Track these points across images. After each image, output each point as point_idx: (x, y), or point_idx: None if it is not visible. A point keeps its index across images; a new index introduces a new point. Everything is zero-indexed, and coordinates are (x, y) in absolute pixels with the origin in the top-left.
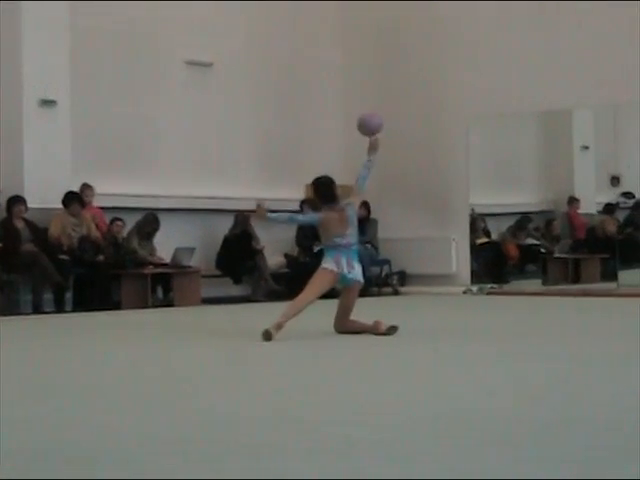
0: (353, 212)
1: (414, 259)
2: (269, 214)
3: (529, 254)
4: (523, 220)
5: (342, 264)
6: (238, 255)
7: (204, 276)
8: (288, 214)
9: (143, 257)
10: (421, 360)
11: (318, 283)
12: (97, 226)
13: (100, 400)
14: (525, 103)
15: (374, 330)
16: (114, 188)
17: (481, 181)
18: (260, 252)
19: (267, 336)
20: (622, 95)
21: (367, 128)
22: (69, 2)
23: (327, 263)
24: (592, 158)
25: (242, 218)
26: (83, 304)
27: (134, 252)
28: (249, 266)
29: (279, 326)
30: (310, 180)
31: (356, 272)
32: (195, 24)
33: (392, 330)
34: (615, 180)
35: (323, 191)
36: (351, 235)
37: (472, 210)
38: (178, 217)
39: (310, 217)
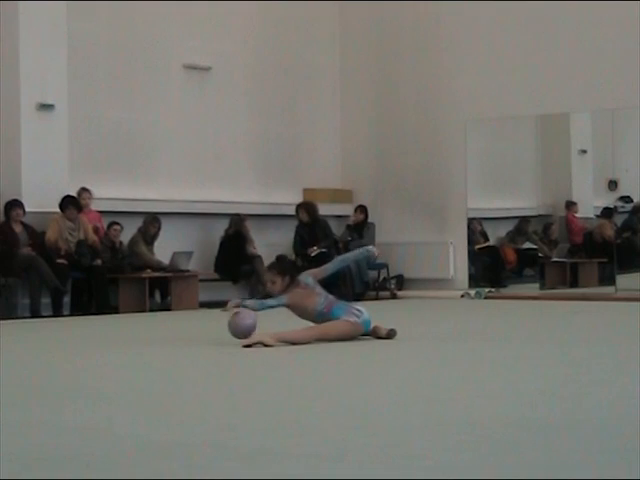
0: (309, 279)
1: (412, 263)
2: (244, 302)
3: (527, 258)
4: (522, 224)
5: (355, 313)
6: (232, 255)
7: (202, 280)
8: (257, 302)
9: (155, 261)
10: (419, 364)
11: (330, 325)
12: (95, 230)
13: (98, 404)
14: (523, 107)
15: (374, 334)
16: (112, 192)
17: (479, 185)
18: (258, 257)
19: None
20: (620, 99)
21: (239, 330)
22: (67, 6)
23: (345, 317)
24: (590, 162)
25: (236, 219)
26: (81, 308)
27: (141, 256)
28: (246, 270)
29: (264, 343)
30: (307, 184)
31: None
32: (193, 28)
33: (392, 333)
34: (613, 184)
35: (287, 266)
36: (324, 295)
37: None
38: (176, 221)
39: (277, 299)
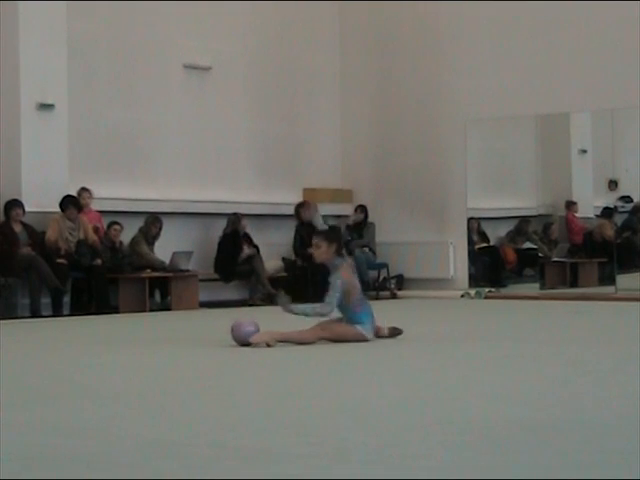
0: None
1: (412, 263)
2: (294, 307)
3: (527, 258)
4: (522, 224)
5: (373, 328)
6: (231, 255)
7: (202, 280)
8: (317, 305)
9: (158, 261)
10: (419, 364)
11: (342, 332)
12: (95, 230)
13: (98, 404)
14: (523, 106)
15: (375, 334)
16: (111, 192)
17: (479, 185)
18: (257, 256)
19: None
20: (620, 99)
21: (238, 334)
22: (67, 6)
23: (364, 328)
24: (590, 162)
25: (234, 219)
26: (81, 308)
27: (144, 256)
28: (245, 270)
29: (267, 344)
30: (307, 184)
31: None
32: (193, 28)
33: (396, 332)
34: (613, 184)
35: (335, 235)
36: (360, 289)
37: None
38: (176, 221)
39: (337, 289)
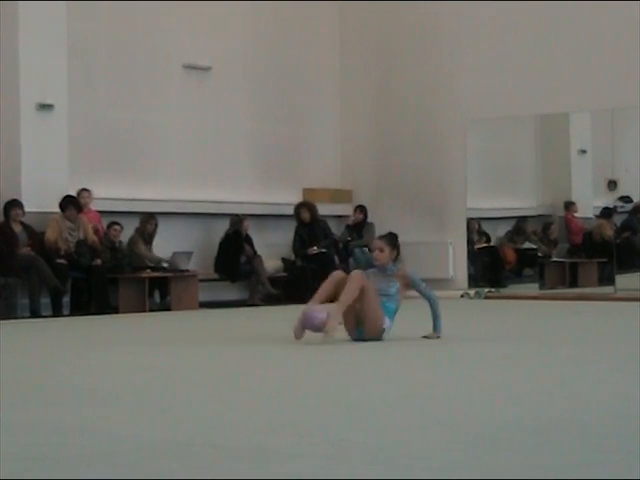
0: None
1: (411, 263)
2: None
3: (526, 258)
4: (520, 224)
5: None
6: (232, 255)
7: (202, 280)
8: (437, 313)
9: (155, 258)
10: (419, 364)
11: (373, 310)
12: (95, 230)
13: (98, 404)
14: (522, 107)
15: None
16: (111, 192)
17: (478, 185)
18: (258, 256)
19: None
20: (620, 99)
21: (309, 324)
22: (67, 6)
23: (390, 323)
24: (589, 162)
25: (236, 219)
26: (80, 308)
27: (141, 255)
28: (246, 270)
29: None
30: (307, 184)
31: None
32: (193, 28)
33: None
34: (612, 184)
35: (397, 242)
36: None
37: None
38: (176, 221)
39: (420, 281)
